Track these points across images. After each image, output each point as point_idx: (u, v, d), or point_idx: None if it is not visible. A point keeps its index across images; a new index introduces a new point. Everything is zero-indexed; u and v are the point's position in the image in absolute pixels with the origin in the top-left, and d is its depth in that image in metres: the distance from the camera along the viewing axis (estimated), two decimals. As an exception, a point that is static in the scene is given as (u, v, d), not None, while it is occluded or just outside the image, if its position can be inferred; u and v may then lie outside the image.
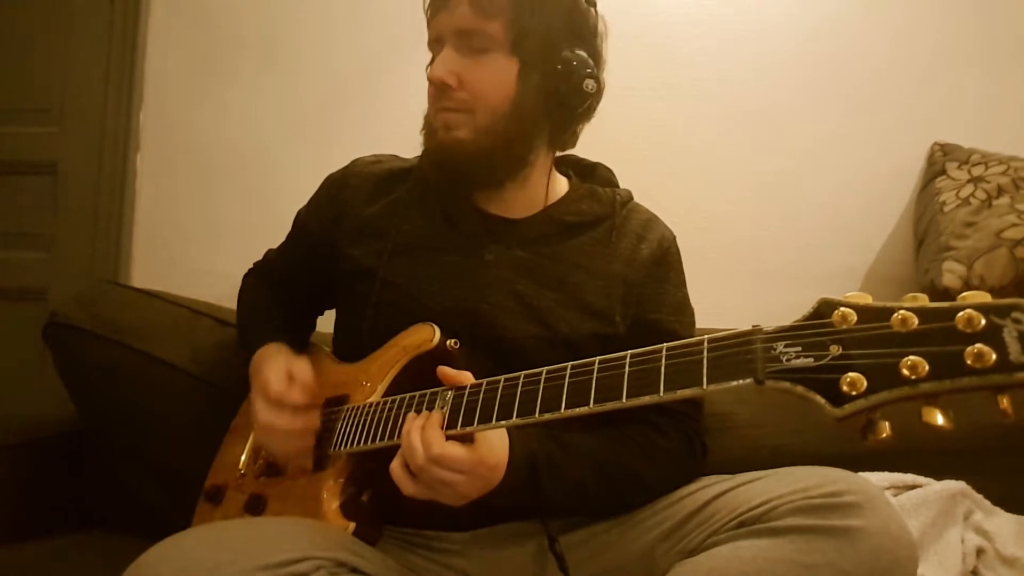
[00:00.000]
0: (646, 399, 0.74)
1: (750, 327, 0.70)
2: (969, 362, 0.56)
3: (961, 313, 0.57)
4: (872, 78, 1.76)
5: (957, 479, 1.20)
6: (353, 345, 1.13)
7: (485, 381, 0.89)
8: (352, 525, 0.95)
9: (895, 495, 1.18)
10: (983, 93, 1.72)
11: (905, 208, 1.72)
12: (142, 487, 1.43)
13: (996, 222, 1.44)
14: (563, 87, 1.06)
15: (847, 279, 1.72)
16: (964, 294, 0.59)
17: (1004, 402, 0.55)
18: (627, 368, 0.77)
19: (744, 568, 0.81)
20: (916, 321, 0.59)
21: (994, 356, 0.55)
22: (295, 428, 1.03)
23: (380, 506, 0.99)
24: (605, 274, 1.11)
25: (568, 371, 0.82)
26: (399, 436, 0.91)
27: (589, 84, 1.06)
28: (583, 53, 1.07)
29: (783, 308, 0.97)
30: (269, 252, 1.39)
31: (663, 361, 0.75)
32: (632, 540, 0.97)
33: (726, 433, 1.32)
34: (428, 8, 1.10)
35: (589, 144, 1.19)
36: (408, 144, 1.18)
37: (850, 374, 0.60)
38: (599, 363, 0.80)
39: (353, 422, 1.01)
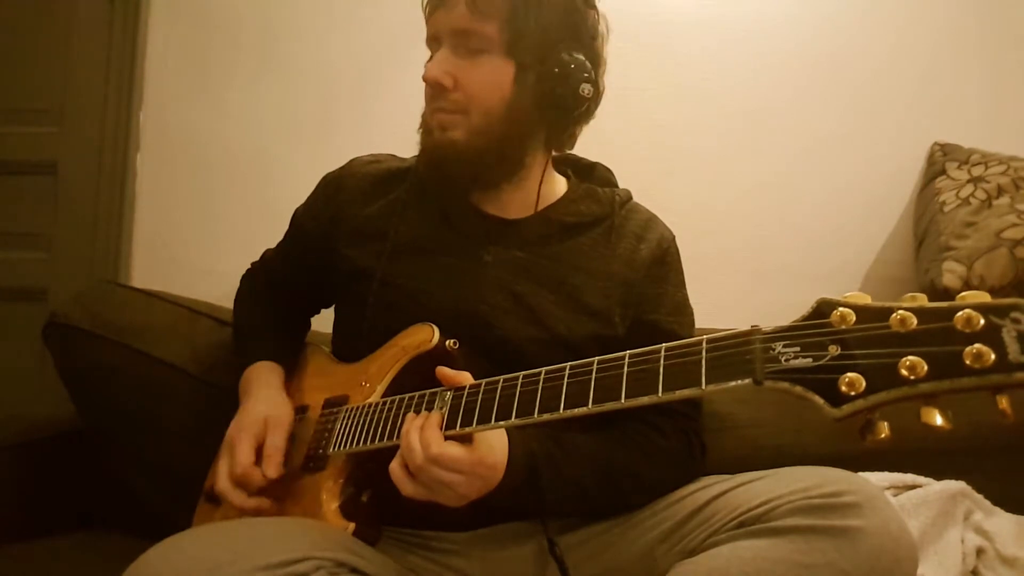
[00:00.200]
0: (645, 400, 0.74)
1: (749, 327, 0.70)
2: (968, 362, 0.55)
3: (960, 313, 0.57)
4: (872, 78, 1.76)
5: (957, 479, 1.20)
6: (352, 345, 1.13)
7: (484, 382, 0.89)
8: (352, 525, 0.95)
9: (895, 495, 1.18)
10: (983, 93, 1.72)
11: (905, 208, 1.72)
12: (142, 487, 1.43)
13: (996, 222, 1.44)
14: (559, 90, 1.05)
15: (847, 279, 1.72)
16: (963, 294, 0.59)
17: (1003, 402, 0.55)
18: (626, 369, 0.77)
19: (744, 568, 0.81)
20: (915, 321, 0.59)
21: (993, 356, 0.55)
22: (246, 508, 1.01)
23: (380, 506, 0.99)
24: (604, 275, 1.10)
25: (567, 372, 0.82)
26: (398, 436, 0.91)
27: (585, 88, 1.05)
28: (580, 56, 1.06)
29: (783, 308, 0.97)
30: (267, 252, 1.39)
31: (662, 361, 0.74)
32: (632, 540, 0.98)
33: (726, 433, 1.31)
34: (426, 5, 1.09)
35: (589, 144, 1.19)
36: (406, 144, 1.18)
37: (849, 374, 0.60)
38: (598, 364, 0.80)
39: (352, 422, 1.01)
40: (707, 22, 1.80)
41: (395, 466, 0.89)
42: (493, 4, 1.02)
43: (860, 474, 0.90)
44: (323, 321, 1.34)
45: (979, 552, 1.15)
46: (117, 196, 1.92)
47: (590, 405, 0.77)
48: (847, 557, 0.78)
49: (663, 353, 0.75)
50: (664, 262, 1.16)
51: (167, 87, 1.95)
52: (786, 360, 0.65)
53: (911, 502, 1.16)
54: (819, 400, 0.61)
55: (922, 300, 0.61)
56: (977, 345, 0.55)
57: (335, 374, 1.16)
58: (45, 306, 1.85)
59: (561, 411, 0.79)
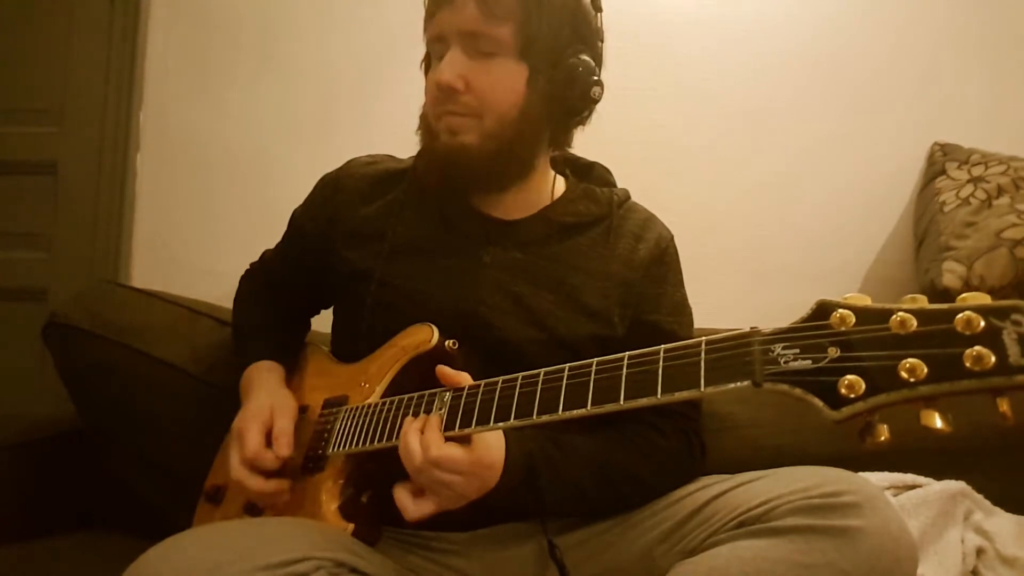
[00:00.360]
0: (644, 401, 0.74)
1: (748, 328, 0.70)
2: (968, 364, 0.55)
3: (960, 315, 0.57)
4: (872, 78, 1.76)
5: (957, 479, 1.20)
6: (351, 345, 1.13)
7: (483, 383, 0.89)
8: (351, 526, 0.95)
9: (895, 495, 1.18)
10: (983, 93, 1.72)
11: (905, 208, 1.72)
12: (142, 487, 1.43)
13: (996, 222, 1.44)
14: (570, 93, 1.06)
15: (847, 279, 1.72)
16: (963, 296, 0.59)
17: (1004, 405, 0.55)
18: (625, 370, 0.77)
19: (744, 568, 0.81)
20: (915, 323, 0.59)
21: (993, 358, 0.55)
22: (265, 491, 1.01)
23: (379, 507, 0.99)
24: (603, 275, 1.10)
25: (566, 373, 0.82)
26: (398, 437, 0.91)
27: (596, 91, 1.06)
28: (588, 58, 1.06)
29: (783, 308, 0.97)
30: (266, 252, 1.39)
31: (660, 363, 0.75)
32: (632, 540, 0.97)
33: (726, 433, 1.31)
34: (428, 3, 1.08)
35: (589, 144, 1.19)
36: (406, 144, 1.18)
37: (848, 376, 0.60)
38: (597, 365, 0.80)
39: (352, 423, 1.01)
40: (707, 22, 1.80)
41: (401, 495, 0.90)
42: (506, 6, 1.01)
43: (860, 474, 0.90)
44: (323, 321, 1.34)
45: (979, 552, 1.15)
46: (117, 196, 1.92)
47: (589, 407, 0.77)
48: (847, 557, 0.78)
49: (662, 355, 0.75)
50: (663, 262, 1.16)
51: (167, 87, 1.95)
52: (785, 362, 0.65)
53: (911, 502, 1.16)
54: (818, 402, 0.61)
55: (922, 302, 0.60)
56: (977, 347, 0.55)
57: (335, 374, 1.15)
58: (45, 306, 1.85)
59: (560, 412, 0.79)
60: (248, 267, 1.41)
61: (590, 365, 0.80)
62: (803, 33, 1.78)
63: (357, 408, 1.03)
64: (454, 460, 0.86)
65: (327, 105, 1.89)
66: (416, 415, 0.92)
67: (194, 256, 1.89)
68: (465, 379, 0.92)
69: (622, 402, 0.75)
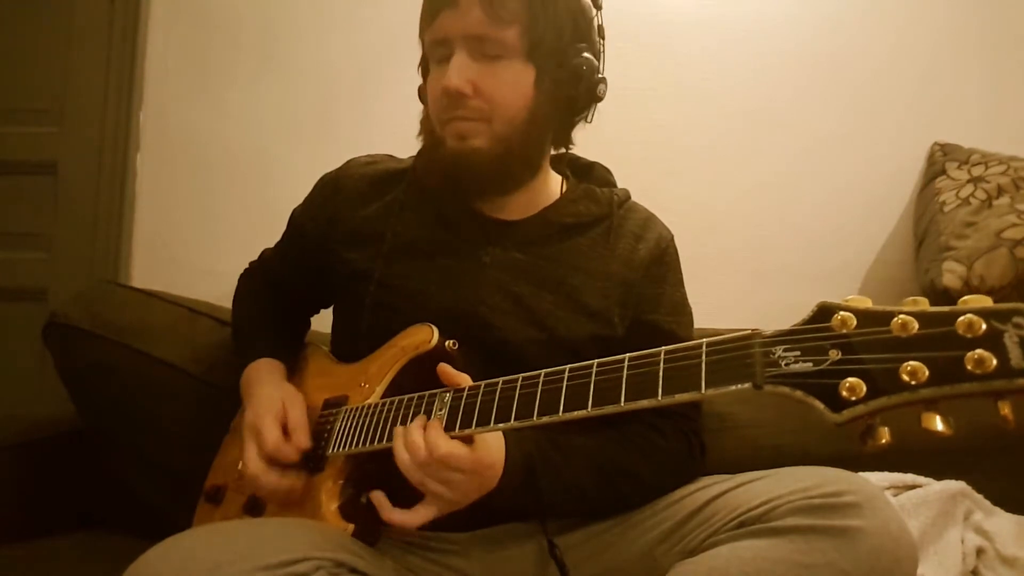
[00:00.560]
0: (644, 403, 0.74)
1: (749, 330, 0.70)
2: (970, 368, 0.55)
3: (962, 318, 0.57)
4: (872, 78, 1.76)
5: (957, 479, 1.20)
6: (351, 346, 1.13)
7: (483, 384, 0.89)
8: (351, 526, 0.95)
9: (895, 495, 1.18)
10: (983, 93, 1.72)
11: (905, 208, 1.72)
12: (142, 487, 1.43)
13: (996, 222, 1.44)
14: (576, 92, 1.06)
15: (847, 279, 1.72)
16: (965, 298, 0.59)
17: (1005, 408, 0.55)
18: (625, 371, 0.77)
19: (744, 568, 0.81)
20: (916, 326, 0.59)
21: (995, 362, 0.55)
22: (281, 488, 1.01)
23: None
24: (603, 275, 1.10)
25: (566, 374, 0.82)
26: (398, 438, 0.91)
27: (601, 89, 1.07)
28: (591, 56, 1.06)
29: (783, 308, 0.97)
30: (265, 251, 1.39)
31: (661, 365, 0.75)
32: (632, 540, 0.97)
33: (726, 433, 1.32)
34: (427, 3, 1.07)
35: (589, 144, 1.19)
36: (406, 144, 1.18)
37: (849, 379, 0.60)
38: (597, 366, 0.80)
39: (352, 423, 1.01)
40: (707, 22, 1.80)
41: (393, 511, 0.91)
42: (511, 9, 1.00)
43: (860, 474, 0.90)
44: (323, 321, 1.34)
45: (979, 552, 1.15)
46: (117, 196, 1.93)
47: (589, 408, 0.77)
48: (847, 557, 0.78)
49: (662, 356, 0.75)
50: (663, 262, 1.16)
51: (167, 87, 1.95)
52: (786, 364, 0.65)
53: (911, 502, 1.17)
54: (819, 405, 0.61)
55: (923, 304, 0.60)
56: (979, 350, 0.55)
57: (335, 374, 1.15)
58: (45, 306, 1.85)
59: (560, 414, 0.79)
60: (247, 266, 1.41)
61: (590, 366, 0.80)
62: (803, 33, 1.78)
63: (357, 408, 1.03)
64: (460, 457, 0.85)
65: (327, 105, 1.89)
66: (416, 416, 0.91)
67: (194, 256, 1.89)
68: (465, 379, 0.92)
69: (623, 403, 0.75)
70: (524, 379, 0.85)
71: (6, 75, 2.00)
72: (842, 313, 0.63)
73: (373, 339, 1.09)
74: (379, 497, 0.93)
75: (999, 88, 1.72)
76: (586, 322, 1.07)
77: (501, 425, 0.84)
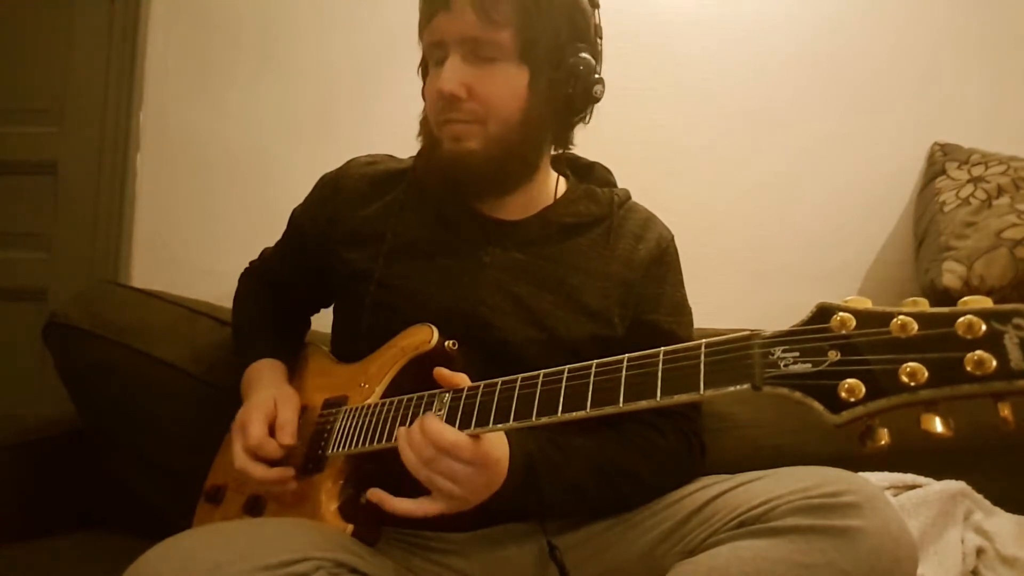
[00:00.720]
0: (643, 404, 0.74)
1: (748, 330, 0.70)
2: (969, 369, 0.55)
3: (961, 319, 0.57)
4: (872, 78, 1.76)
5: (957, 479, 1.20)
6: (351, 346, 1.13)
7: (482, 384, 0.89)
8: (351, 526, 0.95)
9: (895, 495, 1.18)
10: (983, 93, 1.72)
11: (905, 208, 1.72)
12: (142, 487, 1.43)
13: (996, 222, 1.44)
14: (572, 93, 1.06)
15: (847, 279, 1.72)
16: (965, 299, 0.58)
17: (1005, 410, 0.55)
18: (624, 372, 0.77)
19: (744, 568, 0.81)
20: (916, 327, 0.59)
21: (994, 363, 0.54)
22: (269, 478, 1.01)
23: (379, 508, 0.99)
24: (603, 275, 1.10)
25: (565, 375, 0.82)
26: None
27: (598, 90, 1.06)
28: (588, 56, 1.06)
29: (783, 308, 0.97)
30: (265, 251, 1.39)
31: (660, 366, 0.74)
32: (632, 540, 0.97)
33: (726, 433, 1.31)
34: (424, 6, 1.07)
35: (589, 144, 1.19)
36: (406, 144, 1.18)
37: (848, 380, 0.60)
38: (596, 367, 0.80)
39: (351, 423, 1.01)
40: (707, 22, 1.80)
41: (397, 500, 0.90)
42: (504, 11, 1.00)
43: (860, 474, 0.90)
44: (323, 321, 1.34)
45: (979, 552, 1.15)
46: (117, 196, 1.92)
47: (588, 409, 0.77)
48: (847, 557, 0.78)
49: (661, 357, 0.75)
50: (663, 262, 1.16)
51: (167, 87, 1.95)
52: (785, 365, 0.65)
53: (911, 502, 1.17)
54: (818, 406, 0.61)
55: (923, 305, 0.60)
56: (978, 352, 0.55)
57: (334, 374, 1.15)
58: (45, 306, 1.86)
59: (559, 414, 0.79)
60: (247, 266, 1.41)
61: (589, 367, 0.80)
62: (803, 33, 1.78)
63: (357, 408, 1.03)
64: (464, 447, 0.85)
65: (327, 105, 1.89)
66: (416, 416, 0.91)
67: (194, 256, 1.89)
68: (463, 380, 0.92)
69: (621, 404, 0.75)
70: (523, 379, 0.85)
71: (6, 75, 2.00)
72: (841, 314, 0.63)
73: (373, 339, 1.09)
74: (378, 492, 0.92)
75: (999, 88, 1.72)
76: (586, 322, 1.07)
77: (500, 425, 0.84)
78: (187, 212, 1.92)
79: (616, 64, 1.16)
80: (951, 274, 1.42)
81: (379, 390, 1.03)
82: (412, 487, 0.89)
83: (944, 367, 0.56)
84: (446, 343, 1.01)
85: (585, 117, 1.12)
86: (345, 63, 1.89)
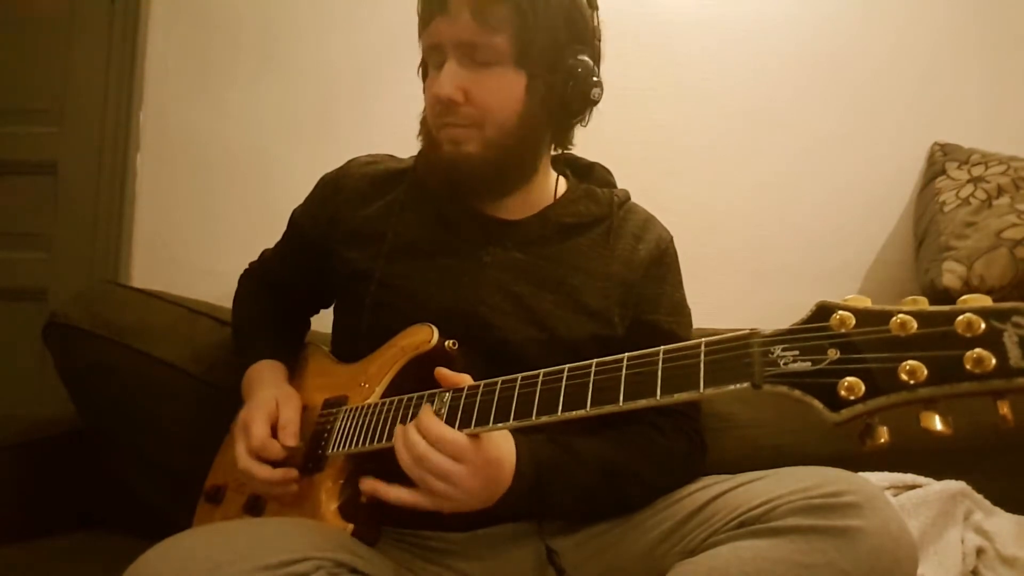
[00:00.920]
0: (643, 402, 0.74)
1: (748, 329, 0.70)
2: (968, 367, 0.55)
3: (961, 317, 0.57)
4: (872, 78, 1.76)
5: (957, 479, 1.20)
6: (351, 345, 1.13)
7: (482, 383, 0.89)
8: (351, 526, 0.95)
9: (895, 495, 1.18)
10: (983, 93, 1.72)
11: (905, 208, 1.72)
12: (142, 487, 1.43)
13: (996, 222, 1.44)
14: (570, 96, 1.06)
15: (847, 279, 1.72)
16: (964, 297, 0.58)
17: (1004, 408, 0.55)
18: (624, 371, 0.77)
19: (744, 568, 0.81)
20: (915, 325, 0.59)
21: (994, 361, 0.54)
22: (273, 479, 1.01)
23: (379, 507, 0.99)
24: (603, 275, 1.10)
25: (565, 374, 0.82)
26: (399, 437, 0.91)
27: (596, 93, 1.06)
28: (586, 58, 1.06)
29: (783, 308, 0.97)
30: (265, 252, 1.39)
31: (660, 364, 0.74)
32: (632, 541, 0.97)
33: (726, 433, 1.32)
34: (422, 9, 1.07)
35: (589, 144, 1.19)
36: (406, 144, 1.18)
37: (848, 378, 0.60)
38: (596, 366, 0.80)
39: (351, 423, 1.01)
40: (707, 22, 1.80)
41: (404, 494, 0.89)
42: (501, 15, 0.99)
43: (860, 474, 0.90)
44: (323, 321, 1.34)
45: (979, 552, 1.15)
46: (117, 196, 1.93)
47: (588, 408, 0.77)
48: (847, 557, 0.78)
49: (661, 356, 0.75)
50: (662, 262, 1.16)
51: (167, 87, 1.95)
52: (785, 364, 0.65)
53: (911, 502, 1.17)
54: (818, 404, 0.61)
55: (923, 303, 0.60)
56: (978, 350, 0.55)
57: (335, 374, 1.15)
58: (45, 306, 1.86)
59: (559, 413, 0.79)
60: (247, 266, 1.41)
61: (589, 366, 0.80)
62: (803, 33, 1.78)
63: (357, 408, 1.03)
64: (455, 444, 0.85)
65: (327, 105, 1.89)
66: (416, 415, 0.91)
67: (194, 256, 1.89)
68: (464, 380, 0.92)
69: (621, 403, 0.75)
70: (523, 379, 0.85)
71: (6, 75, 2.00)
72: (841, 312, 0.63)
73: (373, 339, 1.09)
74: (371, 481, 0.92)
75: (999, 88, 1.72)
76: (586, 322, 1.07)
77: (500, 424, 0.84)
78: (187, 212, 1.92)
79: (616, 64, 1.16)
80: (951, 274, 1.42)
81: (379, 390, 1.03)
82: (412, 487, 0.89)
83: (943, 365, 0.57)
84: (446, 343, 1.01)
85: (584, 119, 1.12)
86: (345, 63, 1.89)
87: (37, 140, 1.98)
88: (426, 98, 1.10)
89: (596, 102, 1.08)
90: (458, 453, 0.85)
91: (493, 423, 0.84)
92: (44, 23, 2.00)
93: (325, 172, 1.26)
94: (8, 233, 1.99)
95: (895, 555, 0.80)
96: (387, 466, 0.91)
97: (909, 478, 1.21)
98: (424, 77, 1.15)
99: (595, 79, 1.06)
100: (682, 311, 1.16)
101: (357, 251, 1.15)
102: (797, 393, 0.63)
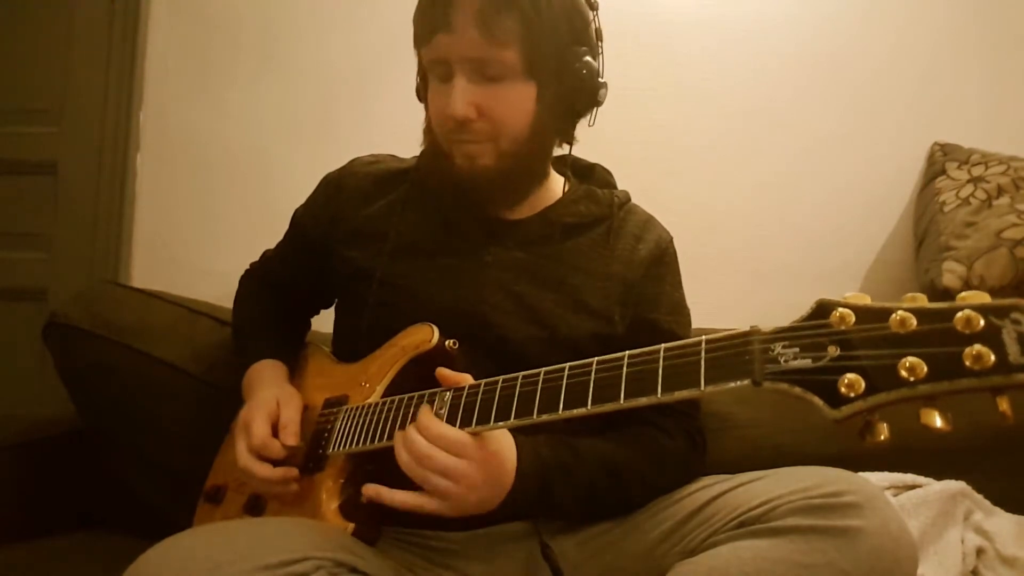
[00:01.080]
0: (644, 400, 0.74)
1: (748, 328, 0.70)
2: (968, 363, 0.55)
3: (960, 314, 0.57)
4: (872, 78, 1.76)
5: (957, 479, 1.20)
6: (352, 345, 1.13)
7: (483, 382, 0.89)
8: (351, 526, 0.95)
9: (895, 495, 1.18)
10: (983, 93, 1.72)
11: (905, 208, 1.72)
12: (142, 487, 1.43)
13: (996, 222, 1.44)
14: (577, 99, 1.06)
15: (847, 279, 1.72)
16: (963, 294, 0.58)
17: (1003, 404, 0.55)
18: (625, 369, 0.77)
19: (744, 568, 0.81)
20: (915, 322, 0.59)
21: (993, 357, 0.54)
22: (273, 478, 1.01)
23: (379, 507, 0.99)
24: (604, 275, 1.11)
25: (566, 372, 0.82)
26: (399, 437, 0.91)
27: (602, 94, 1.07)
28: (590, 60, 1.06)
29: (783, 308, 0.96)
30: (266, 252, 1.39)
31: (660, 362, 0.74)
32: (632, 541, 0.97)
33: (726, 433, 1.31)
34: (421, 22, 1.05)
35: (589, 144, 1.19)
36: (406, 144, 1.18)
37: (848, 375, 0.60)
38: (597, 364, 0.80)
39: (352, 423, 1.01)
40: (707, 22, 1.80)
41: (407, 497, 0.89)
42: (508, 28, 0.98)
43: (860, 474, 0.90)
44: (323, 321, 1.34)
45: (979, 552, 1.15)
46: (117, 196, 1.93)
47: (589, 406, 0.77)
48: (847, 557, 0.78)
49: (662, 354, 0.75)
50: (662, 262, 1.16)
51: (167, 87, 1.95)
52: (785, 361, 0.65)
53: (911, 502, 1.16)
54: (818, 401, 0.61)
55: (922, 301, 0.60)
56: (977, 346, 0.55)
57: (335, 374, 1.16)
58: (45, 306, 1.86)
59: (560, 411, 0.79)
60: (248, 267, 1.41)
61: (590, 364, 0.80)
62: (803, 33, 1.78)
63: (357, 408, 1.03)
64: (458, 441, 0.85)
65: (327, 105, 1.89)
66: (416, 415, 0.91)
67: (194, 256, 1.89)
68: (465, 380, 0.92)
69: (622, 401, 0.75)
70: (524, 377, 0.85)
71: (6, 75, 2.00)
72: (841, 310, 0.63)
73: (374, 338, 1.09)
74: (374, 487, 0.91)
75: (999, 88, 1.72)
76: (587, 321, 1.07)
77: (501, 423, 0.84)
78: (187, 212, 1.92)
79: (616, 64, 1.16)
80: (951, 274, 1.42)
81: (379, 389, 1.03)
82: (413, 487, 0.89)
83: (943, 362, 0.57)
84: (446, 342, 1.01)
85: (589, 121, 1.13)
86: (345, 63, 1.89)
87: (37, 140, 1.98)
88: (431, 108, 1.09)
89: (601, 103, 1.09)
90: (459, 449, 0.85)
91: (494, 422, 0.84)
92: (44, 23, 2.00)
93: (325, 172, 1.26)
94: (8, 233, 1.99)
95: (895, 555, 0.80)
96: (388, 466, 0.91)
97: (909, 478, 1.21)
98: (423, 86, 1.14)
99: (600, 80, 1.07)
100: (681, 310, 1.16)
101: (358, 250, 1.15)
102: (797, 390, 0.63)
